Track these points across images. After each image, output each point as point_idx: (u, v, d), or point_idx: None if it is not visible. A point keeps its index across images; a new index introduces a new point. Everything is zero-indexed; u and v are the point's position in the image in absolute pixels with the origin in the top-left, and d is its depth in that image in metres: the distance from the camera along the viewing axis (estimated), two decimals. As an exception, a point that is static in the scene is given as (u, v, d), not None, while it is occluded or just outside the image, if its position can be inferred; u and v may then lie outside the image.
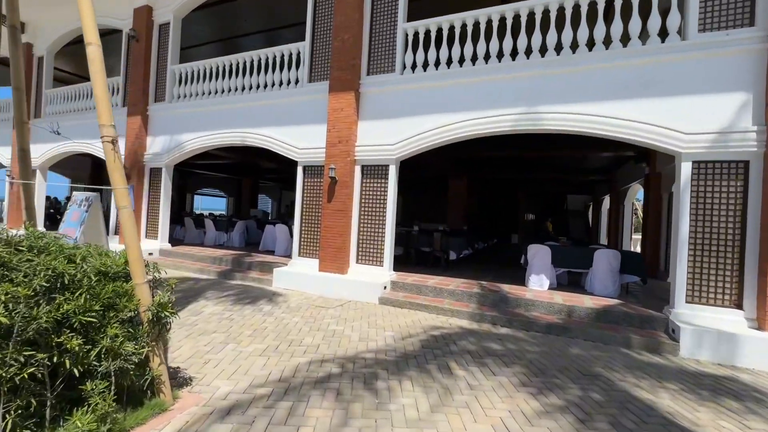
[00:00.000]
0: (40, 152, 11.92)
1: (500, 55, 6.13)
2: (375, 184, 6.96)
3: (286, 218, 17.47)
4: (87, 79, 11.60)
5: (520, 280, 7.16)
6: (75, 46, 13.47)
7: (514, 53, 6.06)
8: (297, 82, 7.85)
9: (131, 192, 9.80)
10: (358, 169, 7.07)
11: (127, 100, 9.92)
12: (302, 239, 7.60)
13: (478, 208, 20.25)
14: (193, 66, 9.12)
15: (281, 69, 8.07)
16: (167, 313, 2.70)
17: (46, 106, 12.02)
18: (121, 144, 9.94)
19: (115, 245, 9.57)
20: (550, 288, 6.52)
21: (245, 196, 21.62)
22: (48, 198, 16.34)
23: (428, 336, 4.65)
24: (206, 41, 12.25)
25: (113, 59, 11.11)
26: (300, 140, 7.61)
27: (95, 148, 10.60)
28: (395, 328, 4.93)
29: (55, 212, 15.53)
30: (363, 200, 7.04)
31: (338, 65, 7.05)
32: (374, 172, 6.98)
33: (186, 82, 9.32)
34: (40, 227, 12.33)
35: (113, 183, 2.62)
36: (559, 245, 6.91)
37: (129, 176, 9.66)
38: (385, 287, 6.45)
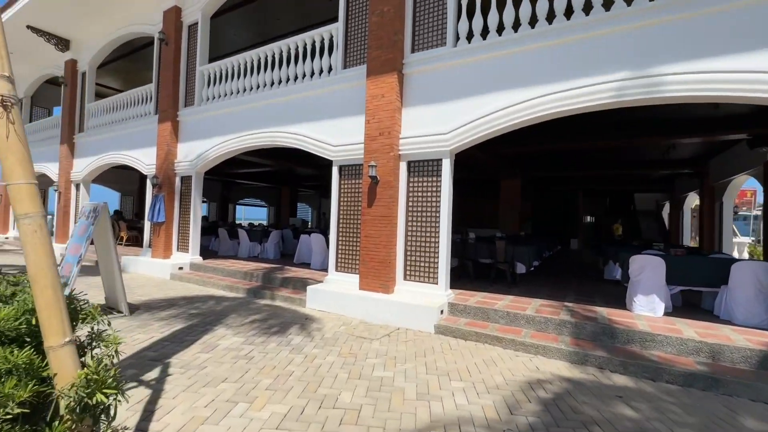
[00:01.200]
0: (82, 166, 11.95)
1: (588, 8, 4.67)
2: (425, 184, 5.70)
3: (324, 226, 16.70)
4: (124, 91, 11.45)
5: (615, 300, 5.54)
6: (115, 63, 13.64)
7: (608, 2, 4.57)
8: (330, 70, 6.84)
9: (161, 202, 9.32)
10: (403, 167, 5.85)
11: (158, 108, 9.48)
12: (339, 251, 6.50)
13: (533, 212, 18.27)
14: (220, 65, 8.45)
15: (312, 57, 7.11)
16: (104, 398, 1.58)
17: (88, 120, 12.06)
18: (152, 153, 9.51)
19: (147, 259, 9.06)
20: (666, 313, 4.86)
21: (284, 205, 21.22)
22: None
23: (520, 393, 3.27)
24: (242, 47, 11.74)
25: (150, 72, 10.85)
26: (335, 136, 6.55)
27: (131, 158, 10.30)
28: (465, 375, 3.59)
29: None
30: (410, 203, 5.80)
31: (377, 43, 5.92)
32: (423, 168, 5.73)
33: (214, 83, 8.68)
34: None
35: (4, 173, 1.59)
36: (676, 256, 5.22)
37: (160, 186, 9.17)
38: (441, 311, 5.13)
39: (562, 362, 3.98)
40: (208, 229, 12.84)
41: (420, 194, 5.73)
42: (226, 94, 8.37)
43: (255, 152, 11.28)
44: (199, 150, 8.70)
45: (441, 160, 5.56)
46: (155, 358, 3.71)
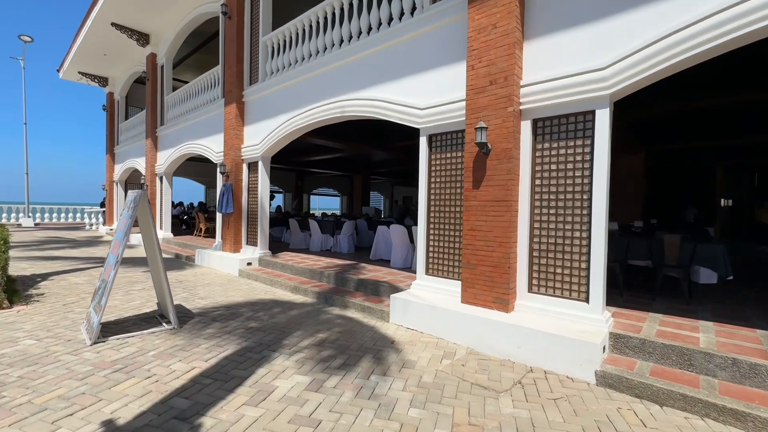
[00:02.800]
0: (163, 159, 12.04)
1: None
2: (564, 150, 3.80)
3: (404, 214, 15.25)
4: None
5: None
6: (192, 58, 13.62)
7: None
8: (414, 10, 5.19)
9: (229, 192, 8.63)
10: (526, 127, 4.01)
11: (224, 89, 8.77)
12: (431, 249, 4.92)
13: (656, 194, 14.71)
14: (283, 31, 7.31)
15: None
16: None
17: (167, 113, 12.09)
18: (221, 140, 8.86)
19: (218, 253, 8.48)
20: None
21: (357, 194, 20.32)
22: (175, 205, 17.34)
23: None
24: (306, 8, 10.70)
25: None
26: (422, 96, 4.92)
27: (202, 147, 9.89)
28: None
29: (184, 216, 16.29)
30: (539, 181, 3.96)
31: (484, -49, 4.10)
32: (561, 126, 3.83)
33: (277, 53, 7.60)
34: (168, 232, 12.59)
35: None
36: None
37: (228, 174, 8.48)
38: (603, 348, 3.26)
39: None
40: (281, 221, 12.24)
41: (555, 166, 3.85)
42: (290, 64, 7.23)
43: (324, 133, 10.20)
44: (264, 132, 7.74)
45: (593, 112, 3.60)
46: (184, 414, 2.52)
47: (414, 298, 4.53)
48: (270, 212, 15.21)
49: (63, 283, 6.25)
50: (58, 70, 15.77)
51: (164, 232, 12.31)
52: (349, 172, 19.98)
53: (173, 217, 15.81)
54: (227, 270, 7.87)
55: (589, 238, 3.61)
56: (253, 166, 8.28)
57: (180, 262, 9.25)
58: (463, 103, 4.39)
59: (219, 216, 8.98)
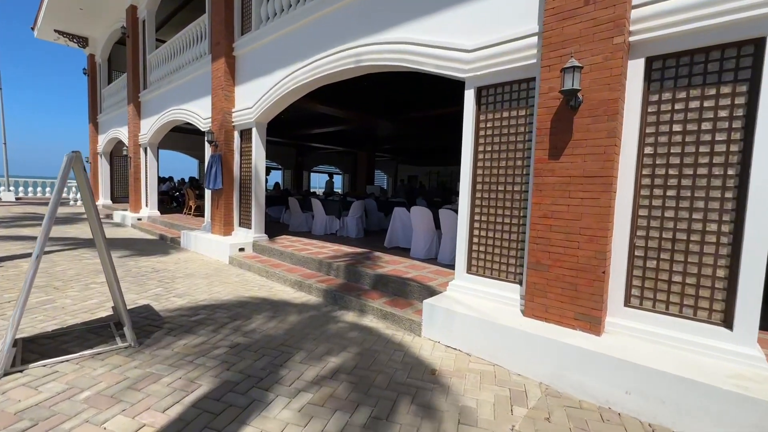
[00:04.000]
0: (147, 127, 10.69)
1: None
2: (698, 101, 2.56)
3: (410, 193, 14.00)
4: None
5: None
6: (178, 17, 12.01)
7: None
8: None
9: (218, 164, 7.37)
10: (636, 70, 2.75)
11: (212, 42, 7.36)
12: (475, 240, 3.73)
13: None
14: (282, -37, 5.88)
15: None
16: None
17: (150, 74, 10.64)
18: (207, 104, 7.54)
19: (206, 235, 7.31)
20: None
21: (361, 172, 19.00)
22: (164, 179, 16.06)
23: None
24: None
25: None
26: (468, 34, 3.62)
27: (188, 113, 8.55)
28: None
29: (174, 192, 15.02)
30: (650, 148, 2.73)
31: None
32: (693, 67, 2.57)
33: (275, -7, 6.19)
34: (154, 210, 11.39)
35: None
36: None
37: (217, 144, 7.20)
38: (773, 405, 2.13)
39: None
40: (280, 199, 11.00)
41: (680, 127, 2.62)
42: (290, 5, 5.84)
43: (330, 99, 8.85)
44: (259, 92, 6.42)
45: (764, 38, 2.34)
46: None
47: (458, 307, 3.38)
48: (267, 189, 13.98)
49: (11, 272, 5.09)
50: (32, 28, 14.14)
51: (150, 210, 11.10)
52: (353, 148, 18.61)
53: (162, 193, 14.56)
54: (216, 256, 6.72)
55: (737, 232, 2.43)
56: (246, 134, 6.99)
57: (164, 245, 8.09)
58: (535, 39, 3.11)
59: (208, 193, 7.76)
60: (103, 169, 15.54)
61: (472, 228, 3.76)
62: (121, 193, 16.10)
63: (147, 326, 3.45)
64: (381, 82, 7.79)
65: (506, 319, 3.10)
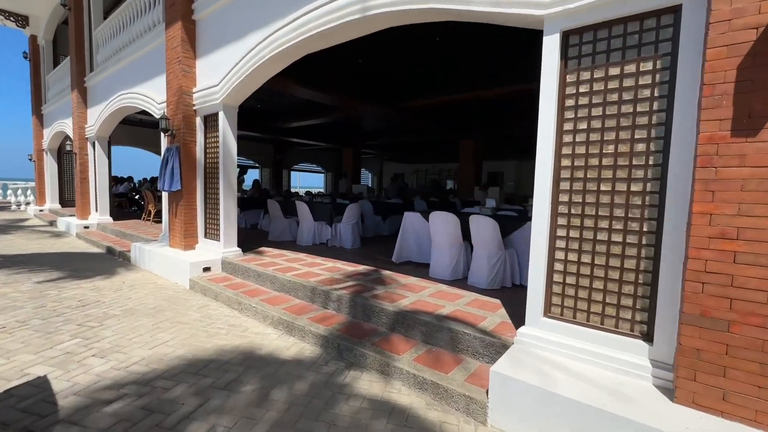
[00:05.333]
0: (95, 117, 8.92)
1: None
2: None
3: (399, 193, 12.67)
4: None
5: None
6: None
7: None
8: None
9: (174, 159, 5.65)
10: None
11: (166, 3, 5.79)
12: (559, 268, 2.43)
13: None
14: None
15: None
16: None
17: (97, 53, 8.87)
18: (162, 84, 5.98)
19: (162, 250, 5.74)
20: None
21: (347, 170, 17.50)
22: (122, 180, 14.22)
23: None
24: None
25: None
26: (553, -55, 2.31)
27: (139, 97, 6.92)
28: None
29: (134, 194, 13.16)
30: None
31: None
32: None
33: (247, -66, 4.71)
34: (105, 216, 9.61)
35: None
36: None
37: (174, 133, 5.66)
38: None
39: None
40: (259, 201, 9.40)
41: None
42: (266, -54, 4.39)
43: (313, 79, 7.44)
44: (228, 64, 4.94)
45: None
46: None
47: (560, 384, 2.06)
48: (245, 189, 12.32)
49: None
50: (-43, 3, 11.97)
51: (100, 216, 9.33)
52: (337, 144, 17.13)
53: (119, 195, 12.71)
54: (173, 278, 5.20)
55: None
56: (211, 120, 5.48)
57: (110, 261, 6.46)
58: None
59: (165, 196, 6.18)
60: (50, 168, 13.44)
61: (553, 248, 2.47)
62: (72, 196, 14.05)
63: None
64: (379, 58, 6.47)
65: (649, 410, 1.82)
